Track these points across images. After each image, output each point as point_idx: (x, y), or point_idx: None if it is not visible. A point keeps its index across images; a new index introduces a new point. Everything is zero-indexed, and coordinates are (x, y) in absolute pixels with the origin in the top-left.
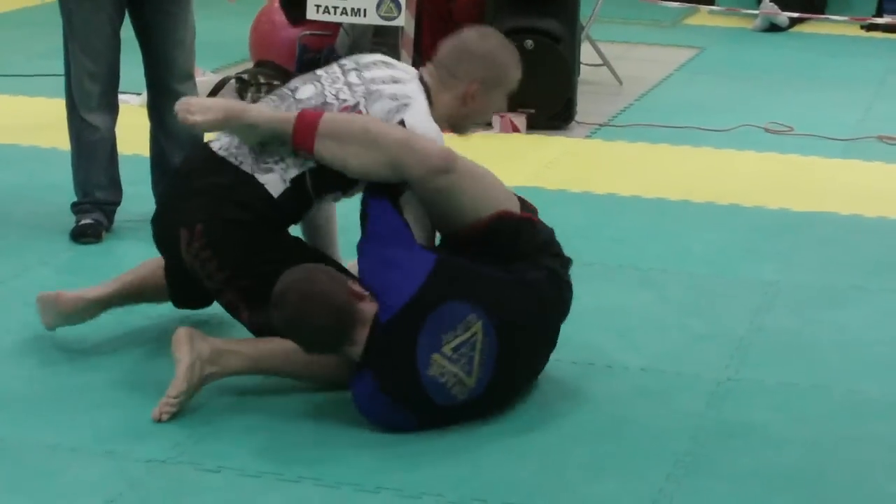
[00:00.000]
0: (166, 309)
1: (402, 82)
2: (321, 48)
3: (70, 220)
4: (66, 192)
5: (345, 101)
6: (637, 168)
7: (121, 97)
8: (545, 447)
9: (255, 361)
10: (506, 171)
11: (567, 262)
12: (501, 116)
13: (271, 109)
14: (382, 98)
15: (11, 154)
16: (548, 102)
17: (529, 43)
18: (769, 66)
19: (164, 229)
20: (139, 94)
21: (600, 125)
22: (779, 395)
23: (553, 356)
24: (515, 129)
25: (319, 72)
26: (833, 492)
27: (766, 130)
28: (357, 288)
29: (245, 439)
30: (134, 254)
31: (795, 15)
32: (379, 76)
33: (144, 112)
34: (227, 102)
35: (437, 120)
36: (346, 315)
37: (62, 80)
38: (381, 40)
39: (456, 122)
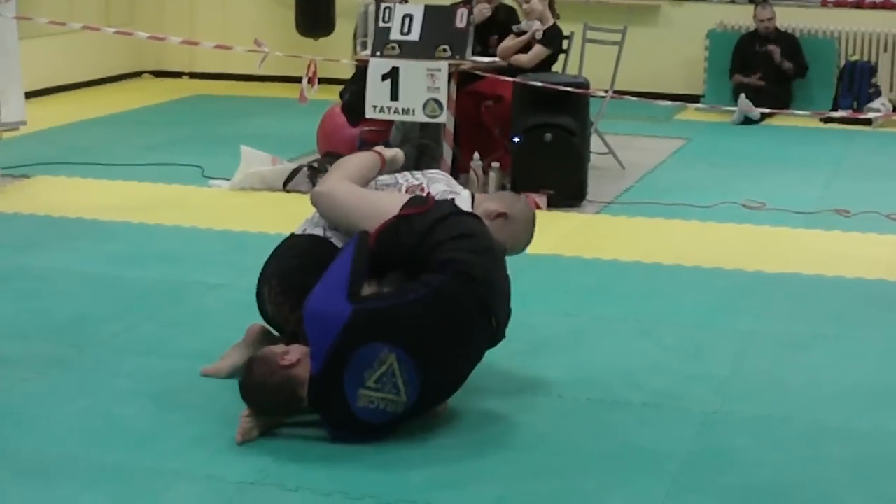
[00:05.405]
0: None
1: (455, 187)
2: (377, 141)
3: (166, 287)
4: (170, 261)
5: (410, 182)
6: (637, 238)
7: (213, 182)
8: (561, 468)
9: None
10: None
11: (464, 259)
12: (527, 196)
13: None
14: (439, 182)
15: (122, 229)
16: (564, 184)
17: (548, 136)
18: (745, 152)
19: (258, 293)
20: (229, 179)
21: (607, 203)
22: (755, 424)
23: (568, 392)
24: (538, 207)
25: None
26: None
27: (743, 206)
28: (286, 359)
29: (319, 463)
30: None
31: (766, 110)
32: (436, 176)
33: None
34: None
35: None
36: (287, 387)
37: (163, 168)
38: (427, 134)
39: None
